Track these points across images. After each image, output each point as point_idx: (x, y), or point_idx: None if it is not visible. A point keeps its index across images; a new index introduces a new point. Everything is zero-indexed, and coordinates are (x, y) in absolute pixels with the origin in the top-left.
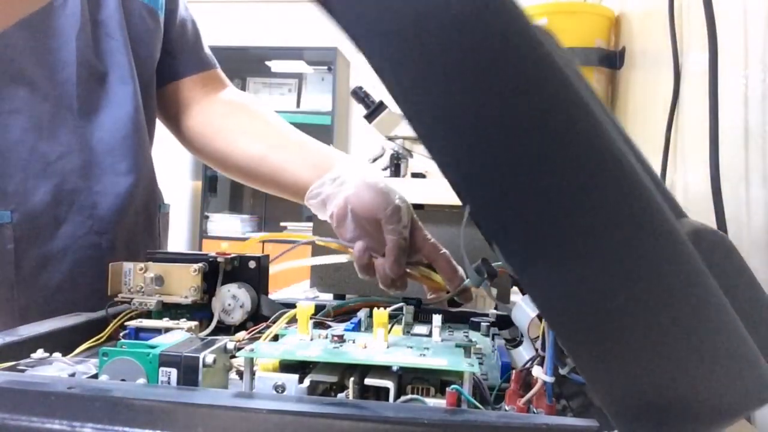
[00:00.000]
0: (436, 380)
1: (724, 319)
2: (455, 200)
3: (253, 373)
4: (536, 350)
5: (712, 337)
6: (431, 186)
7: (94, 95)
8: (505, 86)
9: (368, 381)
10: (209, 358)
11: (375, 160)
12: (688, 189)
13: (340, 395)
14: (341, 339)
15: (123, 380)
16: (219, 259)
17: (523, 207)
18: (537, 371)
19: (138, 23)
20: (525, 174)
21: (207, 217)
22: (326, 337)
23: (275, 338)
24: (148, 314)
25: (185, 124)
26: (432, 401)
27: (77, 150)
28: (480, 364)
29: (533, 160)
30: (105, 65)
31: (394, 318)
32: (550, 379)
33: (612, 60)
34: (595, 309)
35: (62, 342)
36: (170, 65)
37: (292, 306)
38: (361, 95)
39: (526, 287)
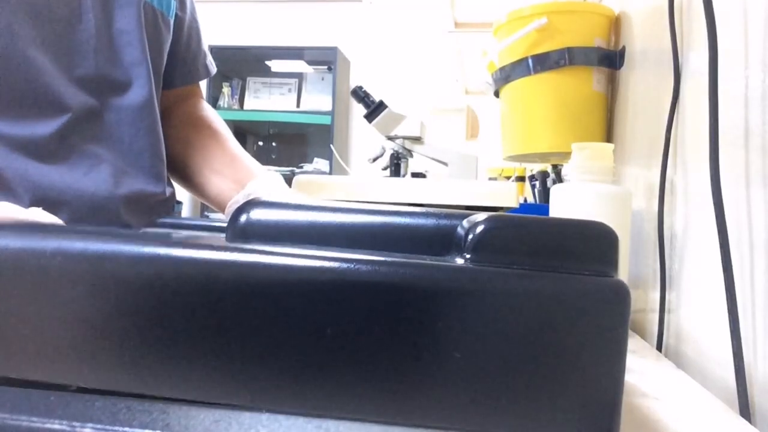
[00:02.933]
0: None
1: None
2: (455, 200)
3: None
4: None
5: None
6: (431, 186)
7: (114, 107)
8: None
9: None
10: None
11: (375, 160)
12: (688, 189)
13: None
14: None
15: None
16: None
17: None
18: None
19: (154, 31)
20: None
21: (207, 217)
22: None
23: None
24: None
25: None
26: None
27: (106, 161)
28: None
29: None
30: (128, 75)
31: None
32: None
33: (612, 60)
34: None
35: None
36: (165, 73)
37: None
38: (361, 95)
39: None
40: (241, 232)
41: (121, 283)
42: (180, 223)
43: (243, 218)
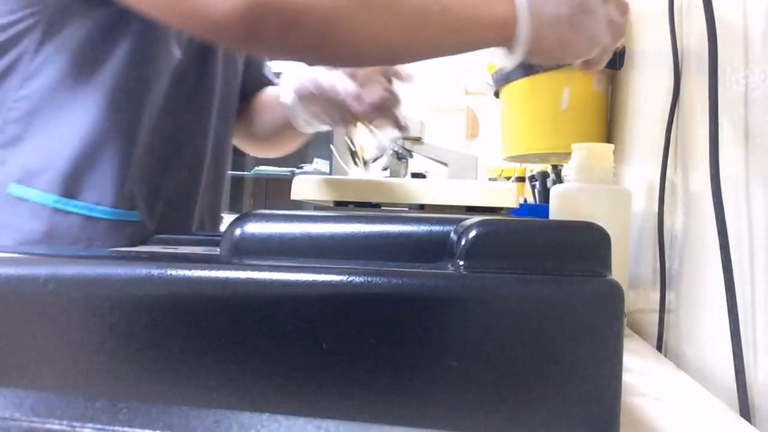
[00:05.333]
0: None
1: None
2: (455, 201)
3: None
4: None
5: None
6: (431, 186)
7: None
8: None
9: None
10: None
11: (375, 160)
12: (688, 189)
13: None
14: None
15: None
16: None
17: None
18: None
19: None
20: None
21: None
22: None
23: None
24: None
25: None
26: None
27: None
28: None
29: None
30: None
31: None
32: None
33: (612, 60)
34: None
35: None
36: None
37: None
38: None
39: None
40: (234, 246)
41: (116, 306)
42: (175, 238)
43: (237, 232)
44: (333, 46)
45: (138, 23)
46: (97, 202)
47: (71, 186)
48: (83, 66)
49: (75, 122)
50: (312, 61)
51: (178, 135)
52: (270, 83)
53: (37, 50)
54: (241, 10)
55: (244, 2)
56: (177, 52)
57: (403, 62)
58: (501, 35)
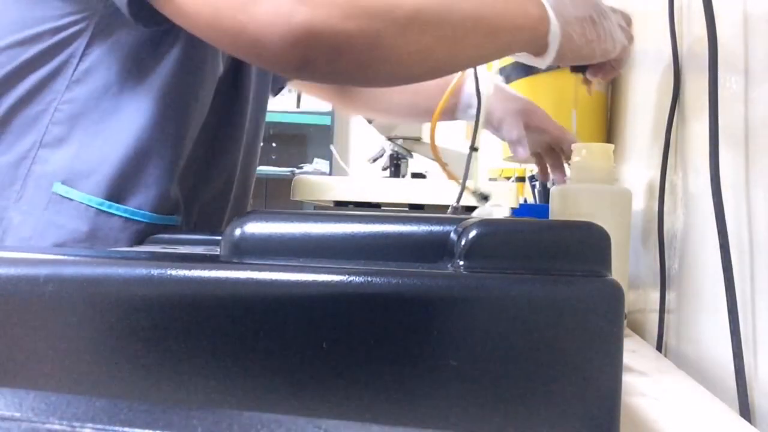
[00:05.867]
0: None
1: None
2: (455, 201)
3: None
4: None
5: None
6: (431, 186)
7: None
8: None
9: None
10: None
11: (375, 160)
12: (688, 189)
13: None
14: None
15: None
16: None
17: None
18: None
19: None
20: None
21: None
22: None
23: None
24: None
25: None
26: None
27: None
28: None
29: None
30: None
31: None
32: None
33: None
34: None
35: None
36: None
37: None
38: None
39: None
40: (234, 246)
41: (116, 306)
42: (175, 238)
43: (237, 232)
44: (378, 69)
45: (188, 32)
46: (138, 206)
47: (116, 190)
48: (131, 72)
49: (122, 128)
50: (360, 83)
51: (215, 143)
52: None
53: (85, 54)
54: (292, 42)
55: (295, 35)
56: (222, 63)
57: (447, 74)
58: (535, 35)
